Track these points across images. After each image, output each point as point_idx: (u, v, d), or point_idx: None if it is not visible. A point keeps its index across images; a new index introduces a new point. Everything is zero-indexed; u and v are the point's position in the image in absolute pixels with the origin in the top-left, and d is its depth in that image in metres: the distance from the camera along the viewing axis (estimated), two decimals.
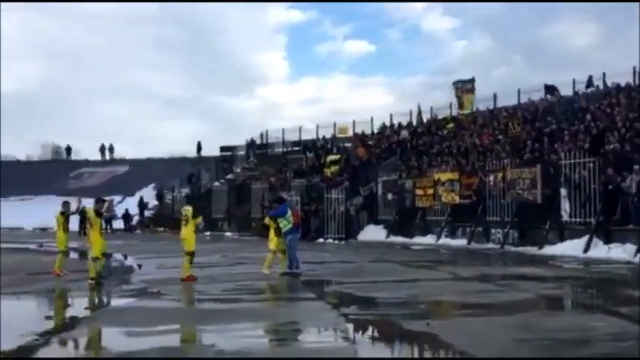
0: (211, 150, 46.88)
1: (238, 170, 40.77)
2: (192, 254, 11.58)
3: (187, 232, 11.76)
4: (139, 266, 11.81)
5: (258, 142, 42.83)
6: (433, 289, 10.62)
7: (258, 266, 14.44)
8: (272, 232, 12.57)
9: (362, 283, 11.27)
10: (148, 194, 41.42)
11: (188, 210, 12.14)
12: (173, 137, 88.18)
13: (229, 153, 43.79)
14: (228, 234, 30.99)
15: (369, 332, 7.54)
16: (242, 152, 43.00)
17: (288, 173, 33.56)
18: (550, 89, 27.56)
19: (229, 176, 39.57)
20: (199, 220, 12.30)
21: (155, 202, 40.20)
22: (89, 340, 6.92)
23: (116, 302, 10.03)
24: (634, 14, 61.30)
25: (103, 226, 12.19)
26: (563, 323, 7.29)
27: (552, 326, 7.05)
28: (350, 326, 7.62)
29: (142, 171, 47.52)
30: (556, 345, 6.02)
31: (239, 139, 44.50)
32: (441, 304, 9.39)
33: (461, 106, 31.90)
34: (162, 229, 35.35)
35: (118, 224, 34.55)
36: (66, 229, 12.89)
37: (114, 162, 52.79)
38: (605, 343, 6.11)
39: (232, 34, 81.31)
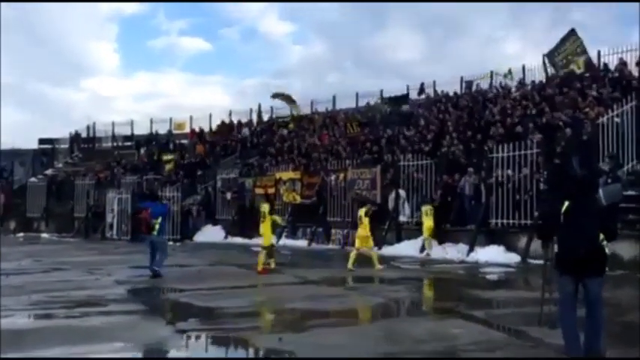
0: (28, 142, 41.91)
1: (60, 165, 36.90)
2: (268, 248, 12.61)
3: (265, 228, 12.80)
4: None
5: (84, 135, 39.19)
6: (281, 295, 9.76)
7: (79, 272, 12.62)
8: None
9: (201, 291, 10.07)
10: None
11: (265, 207, 13.35)
12: None
13: (49, 146, 39.50)
14: (45, 235, 27.58)
15: (213, 353, 6.43)
16: (65, 146, 39.07)
17: (117, 169, 30.92)
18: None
19: (49, 171, 35.59)
20: (276, 218, 13.43)
21: None
22: None
23: None
24: (454, 29, 66.56)
25: None
26: (424, 331, 6.77)
27: (415, 335, 6.52)
28: (188, 346, 6.45)
29: None
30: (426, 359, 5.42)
31: (64, 132, 40.35)
32: (292, 313, 8.41)
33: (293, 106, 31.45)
34: None
35: None
36: None
37: None
38: (473, 354, 5.65)
39: (59, 18, 74.03)
